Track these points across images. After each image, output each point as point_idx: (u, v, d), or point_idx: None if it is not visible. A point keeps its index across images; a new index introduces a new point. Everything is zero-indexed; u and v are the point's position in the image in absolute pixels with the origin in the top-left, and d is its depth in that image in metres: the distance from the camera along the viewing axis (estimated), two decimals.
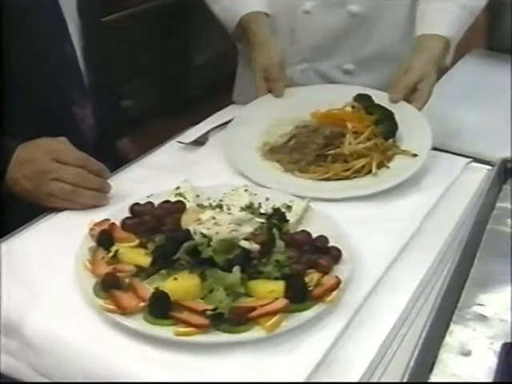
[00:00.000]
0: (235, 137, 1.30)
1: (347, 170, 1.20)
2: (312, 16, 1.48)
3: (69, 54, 1.31)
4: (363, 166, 1.20)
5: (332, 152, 1.22)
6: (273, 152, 1.26)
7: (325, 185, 1.19)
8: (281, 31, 1.50)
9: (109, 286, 0.87)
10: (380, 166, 1.21)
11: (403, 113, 1.30)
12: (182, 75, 3.44)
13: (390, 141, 1.26)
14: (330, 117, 1.31)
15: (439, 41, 1.38)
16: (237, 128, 1.32)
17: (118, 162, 1.28)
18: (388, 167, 1.21)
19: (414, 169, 1.19)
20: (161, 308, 0.84)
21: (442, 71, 1.67)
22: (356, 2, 1.45)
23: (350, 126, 1.26)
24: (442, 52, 1.38)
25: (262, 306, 0.84)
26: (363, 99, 1.34)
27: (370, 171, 1.20)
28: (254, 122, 1.33)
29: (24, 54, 1.23)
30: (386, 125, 1.28)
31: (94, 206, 1.10)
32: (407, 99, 1.33)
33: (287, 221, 1.01)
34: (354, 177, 1.20)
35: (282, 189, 1.13)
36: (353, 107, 1.33)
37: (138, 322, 0.84)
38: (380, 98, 1.34)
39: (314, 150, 1.23)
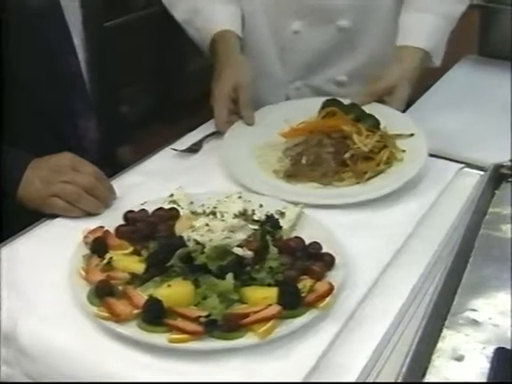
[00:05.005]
0: (231, 150, 1.29)
1: (377, 164, 1.22)
2: (301, 35, 1.48)
3: (74, 68, 1.32)
4: (388, 157, 1.23)
5: (348, 155, 1.23)
6: (292, 176, 1.22)
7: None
8: (271, 52, 1.51)
9: (103, 293, 0.88)
10: (399, 151, 1.25)
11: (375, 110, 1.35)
12: (179, 81, 3.45)
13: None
14: (320, 126, 1.32)
15: (417, 53, 1.40)
16: (231, 143, 1.31)
17: (116, 169, 1.29)
18: (404, 151, 1.24)
19: (423, 146, 1.23)
20: (154, 315, 0.84)
21: (433, 73, 1.68)
22: (344, 17, 1.46)
23: (346, 128, 1.27)
24: (418, 64, 1.40)
25: (255, 312, 0.84)
26: (333, 103, 1.36)
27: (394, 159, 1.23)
28: (245, 152, 1.30)
29: (29, 68, 1.23)
30: (369, 119, 1.31)
31: (89, 215, 1.11)
32: None
33: (280, 227, 1.01)
34: (386, 169, 1.22)
35: (279, 196, 1.13)
36: (331, 112, 1.34)
37: (131, 329, 0.84)
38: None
39: (331, 159, 1.23)
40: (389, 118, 1.32)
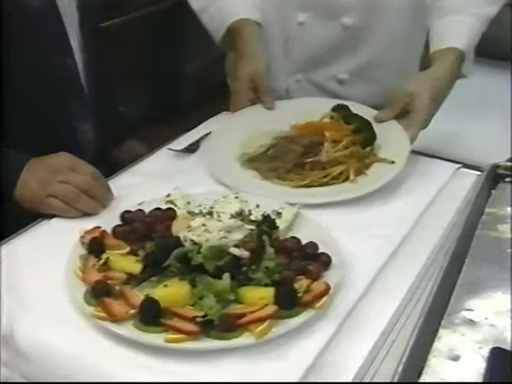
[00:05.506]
0: (216, 147, 1.30)
1: (325, 176, 1.21)
2: (306, 27, 1.48)
3: (71, 69, 1.32)
4: (341, 173, 1.21)
5: (310, 160, 1.23)
6: (251, 161, 1.26)
7: (304, 191, 1.19)
8: (275, 42, 1.52)
9: (99, 293, 0.88)
10: (358, 173, 1.21)
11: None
12: (176, 82, 3.45)
13: (368, 149, 1.27)
14: (308, 127, 1.32)
15: (451, 53, 1.33)
16: (217, 138, 1.33)
17: (113, 169, 1.29)
18: (366, 174, 1.22)
19: (391, 175, 1.19)
20: (151, 315, 0.84)
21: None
22: (349, 14, 1.45)
23: (327, 134, 1.26)
24: (454, 63, 1.32)
25: (252, 312, 0.84)
26: (341, 109, 1.36)
27: (347, 178, 1.21)
28: (235, 133, 1.33)
29: (27, 70, 1.24)
30: (365, 133, 1.29)
31: (86, 215, 1.11)
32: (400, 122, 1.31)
33: (277, 227, 1.01)
34: (332, 183, 1.20)
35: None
36: (331, 117, 1.34)
37: (128, 330, 0.84)
38: (358, 109, 1.35)
39: (292, 159, 1.24)
40: (391, 137, 1.28)
